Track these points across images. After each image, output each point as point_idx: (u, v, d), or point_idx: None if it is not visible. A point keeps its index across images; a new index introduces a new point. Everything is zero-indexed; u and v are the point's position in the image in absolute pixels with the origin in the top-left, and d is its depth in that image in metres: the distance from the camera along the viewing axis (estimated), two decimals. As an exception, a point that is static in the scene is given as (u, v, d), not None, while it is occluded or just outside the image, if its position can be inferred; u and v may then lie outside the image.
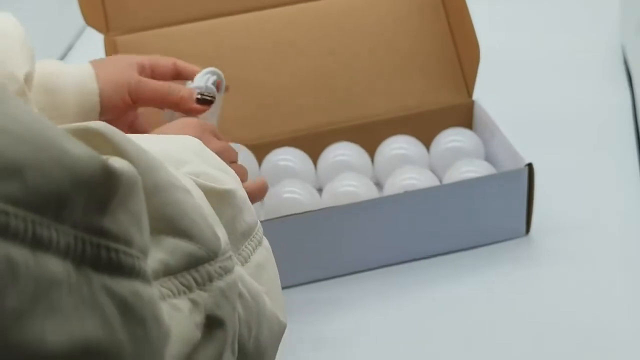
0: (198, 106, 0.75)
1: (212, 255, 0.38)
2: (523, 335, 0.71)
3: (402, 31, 0.95)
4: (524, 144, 0.83)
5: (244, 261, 0.46)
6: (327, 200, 0.84)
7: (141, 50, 0.90)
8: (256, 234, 0.49)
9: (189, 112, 0.76)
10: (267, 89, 0.93)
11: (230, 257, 0.40)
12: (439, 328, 0.73)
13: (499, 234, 0.82)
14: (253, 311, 0.43)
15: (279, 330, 0.47)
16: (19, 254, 0.26)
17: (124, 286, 0.30)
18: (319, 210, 0.78)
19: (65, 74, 0.75)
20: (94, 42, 0.98)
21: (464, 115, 0.94)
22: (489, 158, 0.90)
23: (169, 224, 0.37)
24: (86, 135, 0.35)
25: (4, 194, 0.26)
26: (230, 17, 0.94)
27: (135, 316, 0.31)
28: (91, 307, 0.29)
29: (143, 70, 0.78)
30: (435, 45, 0.95)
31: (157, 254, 0.35)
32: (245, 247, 0.47)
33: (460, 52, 0.94)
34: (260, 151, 0.90)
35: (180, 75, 0.80)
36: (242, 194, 0.48)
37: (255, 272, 0.46)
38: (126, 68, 0.77)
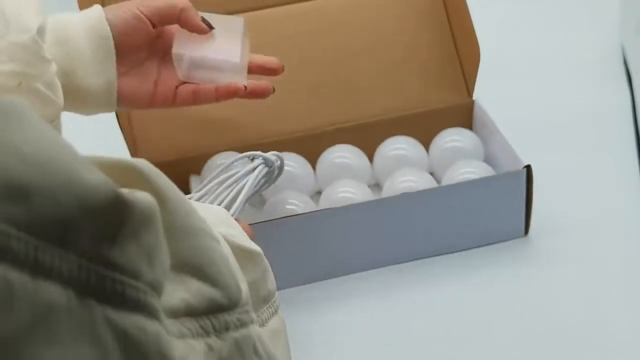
0: (202, 25, 0.75)
1: (232, 305, 0.39)
2: (521, 336, 0.71)
3: (402, 30, 0.95)
4: (524, 144, 0.83)
5: (262, 324, 0.48)
6: (323, 206, 0.83)
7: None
8: (274, 302, 0.50)
9: (192, 27, 0.75)
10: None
11: (247, 311, 0.40)
12: (435, 329, 0.73)
13: (497, 235, 0.81)
14: None
15: None
16: (18, 277, 0.26)
17: (127, 319, 0.29)
18: (315, 211, 0.78)
19: (75, 21, 0.73)
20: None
21: (464, 115, 0.93)
22: (488, 158, 0.89)
23: (195, 267, 0.37)
24: (124, 171, 0.35)
25: (7, 216, 0.26)
26: None
27: (137, 351, 0.30)
28: (91, 338, 0.28)
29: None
30: (435, 44, 0.95)
31: (181, 293, 0.35)
32: (264, 312, 0.48)
33: (460, 52, 0.94)
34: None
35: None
36: (266, 261, 0.50)
37: (271, 336, 0.47)
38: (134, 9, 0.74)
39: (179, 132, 0.90)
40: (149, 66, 0.77)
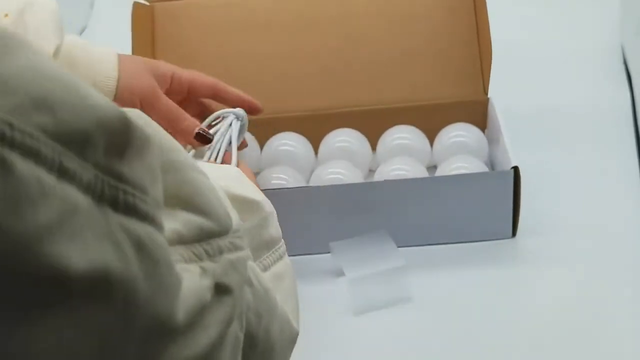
0: (194, 140, 0.76)
1: (223, 231, 0.41)
2: (505, 336, 0.71)
3: (430, 23, 0.95)
4: (523, 144, 0.83)
5: (264, 269, 0.51)
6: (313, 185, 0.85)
7: (174, 19, 0.92)
8: (279, 248, 0.53)
9: (187, 143, 0.77)
10: (283, 65, 0.93)
11: (241, 237, 0.43)
12: (415, 320, 0.73)
13: (483, 234, 0.81)
14: (263, 302, 0.45)
15: (291, 335, 0.49)
16: (47, 178, 0.28)
17: (140, 228, 0.32)
18: (292, 188, 0.79)
19: (91, 53, 0.74)
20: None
21: (478, 111, 0.93)
22: (494, 156, 0.89)
23: (183, 199, 0.39)
24: None
25: (36, 123, 0.28)
26: None
27: (149, 256, 0.32)
28: (110, 240, 0.30)
29: (165, 83, 0.77)
30: (460, 40, 0.94)
31: (171, 224, 0.37)
32: (267, 257, 0.52)
33: (480, 50, 0.94)
34: (268, 127, 0.90)
35: (217, 97, 0.80)
36: (271, 210, 0.54)
37: (273, 279, 0.50)
38: (146, 74, 0.76)
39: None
40: None
